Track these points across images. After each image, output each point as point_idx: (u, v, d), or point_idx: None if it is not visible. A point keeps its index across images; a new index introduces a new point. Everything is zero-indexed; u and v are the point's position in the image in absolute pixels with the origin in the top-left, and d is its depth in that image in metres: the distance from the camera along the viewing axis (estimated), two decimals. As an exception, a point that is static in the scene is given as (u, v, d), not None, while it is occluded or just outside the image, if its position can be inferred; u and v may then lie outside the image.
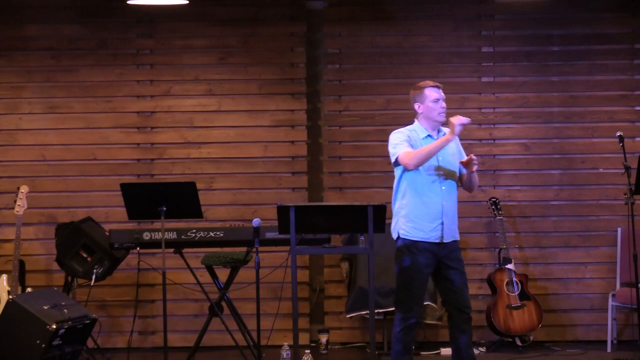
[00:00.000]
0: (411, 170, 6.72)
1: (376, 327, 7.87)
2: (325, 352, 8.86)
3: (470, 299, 6.87)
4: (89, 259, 8.39)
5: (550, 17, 9.19)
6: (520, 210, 9.18)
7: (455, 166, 6.88)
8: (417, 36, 9.21)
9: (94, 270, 8.34)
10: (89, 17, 9.15)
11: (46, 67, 9.14)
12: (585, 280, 9.16)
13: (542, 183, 9.19)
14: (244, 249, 8.23)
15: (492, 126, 9.18)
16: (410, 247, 6.76)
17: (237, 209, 9.13)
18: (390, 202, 6.94)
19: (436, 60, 9.20)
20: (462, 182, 6.93)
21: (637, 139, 9.13)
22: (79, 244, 8.41)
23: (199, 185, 8.08)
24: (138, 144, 9.17)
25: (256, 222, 7.28)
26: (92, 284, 8.33)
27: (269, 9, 9.17)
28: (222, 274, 8.49)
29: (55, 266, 8.69)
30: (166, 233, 8.01)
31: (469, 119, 6.64)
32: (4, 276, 8.48)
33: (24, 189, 8.50)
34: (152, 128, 9.17)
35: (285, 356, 8.10)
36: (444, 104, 6.85)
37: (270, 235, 8.05)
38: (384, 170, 9.09)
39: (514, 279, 8.80)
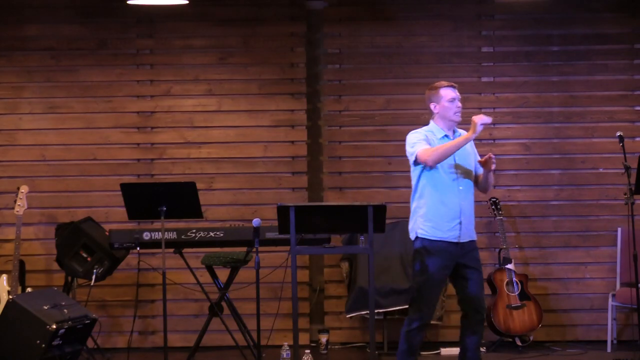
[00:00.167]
0: (430, 167, 6.68)
1: (376, 327, 7.86)
2: (325, 352, 8.85)
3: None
4: (89, 259, 8.40)
5: (550, 17, 9.19)
6: (520, 210, 9.18)
7: (471, 166, 6.86)
8: (417, 36, 9.21)
9: (94, 270, 8.34)
10: (89, 17, 9.14)
11: (46, 67, 9.14)
12: (585, 280, 9.15)
13: (542, 183, 9.19)
14: (244, 249, 8.23)
15: (492, 126, 9.16)
16: (428, 248, 6.74)
17: (237, 209, 9.12)
18: (390, 202, 6.94)
19: (436, 60, 9.20)
20: (478, 183, 6.91)
21: (637, 139, 9.13)
22: (79, 244, 8.41)
23: (199, 185, 8.07)
24: (138, 144, 9.16)
25: (256, 222, 7.27)
26: (92, 284, 8.34)
27: (269, 9, 9.17)
28: (222, 274, 8.48)
29: (55, 266, 8.69)
30: (166, 233, 8.01)
31: (490, 118, 6.61)
32: (4, 276, 8.48)
33: (24, 189, 8.50)
34: (152, 128, 9.17)
35: (285, 356, 8.10)
36: (459, 104, 6.83)
37: (270, 235, 8.05)
38: (384, 170, 9.10)
39: (514, 279, 8.80)
